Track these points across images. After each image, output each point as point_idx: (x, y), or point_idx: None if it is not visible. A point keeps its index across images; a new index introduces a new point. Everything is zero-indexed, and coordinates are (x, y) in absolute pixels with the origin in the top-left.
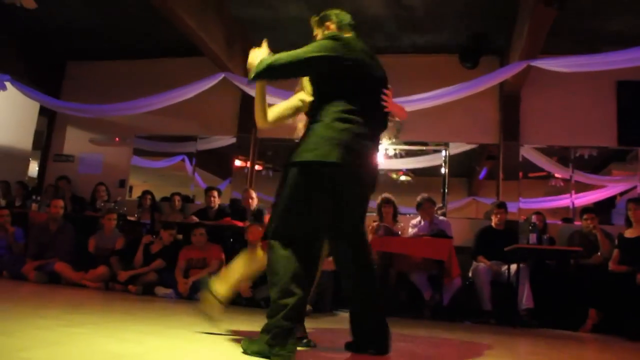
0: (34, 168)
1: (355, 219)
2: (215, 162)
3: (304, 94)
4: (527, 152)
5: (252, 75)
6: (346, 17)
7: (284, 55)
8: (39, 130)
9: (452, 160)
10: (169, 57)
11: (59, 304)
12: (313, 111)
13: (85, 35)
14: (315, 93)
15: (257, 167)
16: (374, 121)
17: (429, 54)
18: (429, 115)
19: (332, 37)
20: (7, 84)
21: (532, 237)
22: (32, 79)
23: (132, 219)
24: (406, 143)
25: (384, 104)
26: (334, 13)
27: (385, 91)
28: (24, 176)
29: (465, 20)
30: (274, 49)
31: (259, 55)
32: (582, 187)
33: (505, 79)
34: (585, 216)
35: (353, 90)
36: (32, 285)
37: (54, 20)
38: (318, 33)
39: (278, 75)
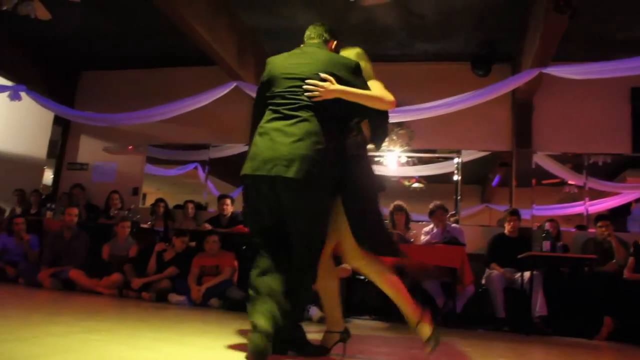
0: (48, 176)
1: (295, 223)
2: (227, 170)
3: None
4: (541, 159)
5: None
6: (312, 31)
7: None
8: (53, 139)
9: (464, 168)
10: (182, 66)
11: (74, 311)
12: None
13: (99, 45)
14: None
15: None
16: (297, 117)
17: (441, 62)
18: (441, 122)
19: None
20: (22, 94)
21: (546, 245)
22: (46, 88)
23: (145, 226)
24: (418, 150)
25: (310, 94)
26: (307, 30)
27: (311, 82)
28: (39, 184)
29: (477, 28)
30: None
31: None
32: (596, 194)
33: (518, 86)
34: (599, 223)
35: (270, 101)
36: (47, 292)
37: (68, 31)
38: None
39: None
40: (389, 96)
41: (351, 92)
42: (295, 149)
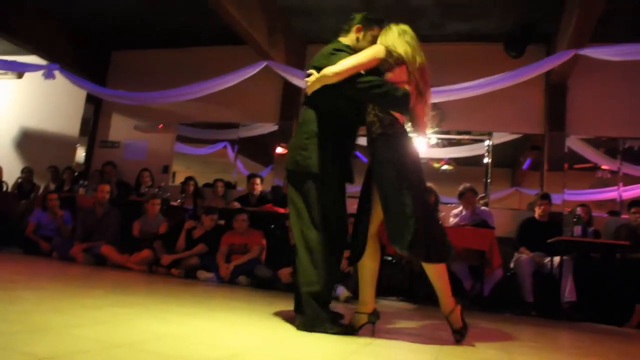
0: (81, 154)
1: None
2: (257, 149)
3: None
4: (573, 142)
5: None
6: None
7: None
8: (86, 117)
9: (495, 150)
10: (212, 45)
11: (106, 285)
12: None
13: (131, 24)
14: None
15: None
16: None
17: (473, 42)
18: (472, 104)
19: None
20: (56, 72)
21: (577, 230)
22: (79, 67)
23: (175, 204)
24: (449, 132)
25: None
26: None
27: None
28: (72, 161)
29: (511, 8)
30: (315, 38)
31: None
32: (631, 180)
33: (552, 67)
34: (633, 209)
35: None
36: (80, 266)
37: (101, 10)
38: None
39: None
40: (332, 69)
41: (318, 77)
42: (290, 144)
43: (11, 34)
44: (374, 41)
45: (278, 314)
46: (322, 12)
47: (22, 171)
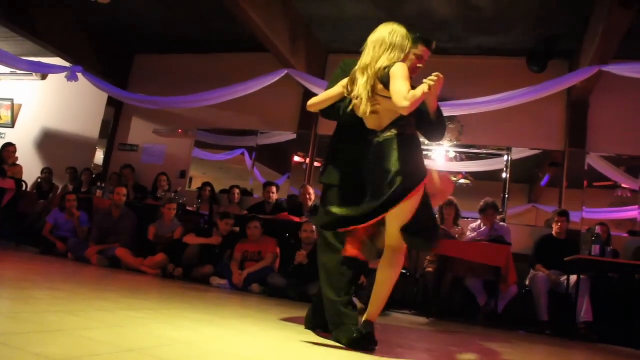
0: (100, 156)
1: None
2: (274, 157)
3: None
4: (594, 160)
5: None
6: None
7: None
8: (106, 120)
9: (513, 166)
10: (234, 52)
11: (119, 288)
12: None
13: (153, 28)
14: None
15: (316, 164)
16: None
17: (495, 56)
18: (492, 118)
19: None
20: (79, 74)
21: (595, 249)
22: (101, 70)
23: (191, 209)
24: (467, 146)
25: None
26: None
27: None
28: (91, 163)
29: (535, 23)
30: (337, 48)
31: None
32: None
33: (575, 84)
34: None
35: None
36: (94, 268)
37: (125, 15)
38: None
39: None
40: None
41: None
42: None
43: (36, 36)
44: None
45: (290, 323)
46: (344, 21)
47: (42, 172)
